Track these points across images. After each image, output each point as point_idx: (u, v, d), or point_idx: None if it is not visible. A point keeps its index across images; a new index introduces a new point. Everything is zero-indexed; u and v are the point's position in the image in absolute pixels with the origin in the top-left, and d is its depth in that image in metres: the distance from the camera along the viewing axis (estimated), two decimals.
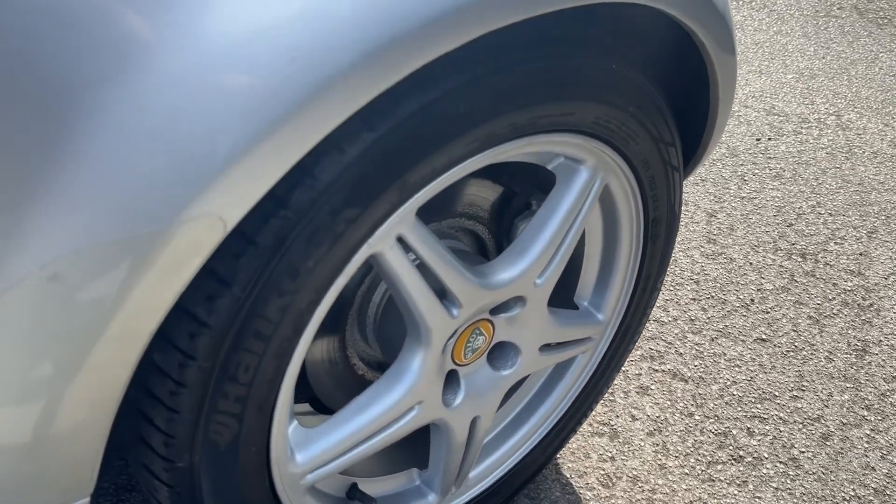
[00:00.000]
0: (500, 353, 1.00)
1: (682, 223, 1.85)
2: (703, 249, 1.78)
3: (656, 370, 1.46)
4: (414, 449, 1.05)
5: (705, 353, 1.51)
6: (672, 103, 1.00)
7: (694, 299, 1.64)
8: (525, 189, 1.02)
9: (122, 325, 0.57)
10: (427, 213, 0.91)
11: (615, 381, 1.43)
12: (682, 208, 1.91)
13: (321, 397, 1.00)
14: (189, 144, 0.54)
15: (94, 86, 0.53)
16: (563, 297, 1.09)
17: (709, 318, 1.59)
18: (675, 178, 1.02)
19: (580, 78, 0.80)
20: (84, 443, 0.62)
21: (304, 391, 0.98)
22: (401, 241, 0.77)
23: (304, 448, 0.84)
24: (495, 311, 0.94)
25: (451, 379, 0.95)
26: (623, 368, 1.45)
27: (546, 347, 1.04)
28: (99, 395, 0.61)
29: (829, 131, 2.25)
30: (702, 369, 1.47)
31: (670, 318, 1.58)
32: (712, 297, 1.64)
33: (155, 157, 0.53)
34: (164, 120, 0.54)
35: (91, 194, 0.52)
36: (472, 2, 0.63)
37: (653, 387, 1.43)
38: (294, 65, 0.57)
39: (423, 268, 0.82)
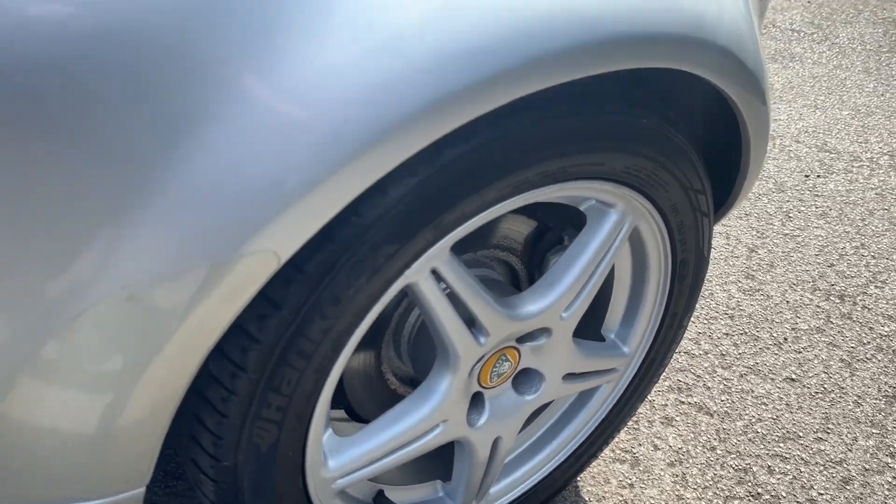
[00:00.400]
0: (524, 378, 1.06)
1: (721, 257, 1.88)
2: (740, 284, 1.80)
3: (683, 402, 1.50)
4: (439, 461, 1.12)
5: (733, 389, 1.53)
6: (709, 146, 1.05)
7: (727, 334, 1.66)
8: (558, 224, 1.08)
9: (184, 340, 0.66)
10: (463, 244, 0.98)
11: (640, 410, 1.47)
12: (724, 241, 1.93)
13: (355, 406, 1.08)
14: (252, 186, 0.62)
15: (177, 129, 0.61)
16: (591, 327, 1.14)
17: (740, 353, 1.62)
18: (705, 223, 1.07)
19: (611, 131, 0.86)
20: (145, 438, 0.71)
21: (340, 398, 1.06)
22: (435, 273, 0.84)
23: (337, 455, 0.92)
24: (522, 339, 1.00)
25: (477, 400, 1.01)
26: (650, 398, 1.49)
27: (570, 376, 1.10)
28: (161, 398, 0.69)
29: (881, 171, 2.24)
30: (728, 404, 1.50)
31: (701, 352, 1.62)
32: (745, 333, 1.67)
33: (224, 196, 0.61)
34: (236, 162, 0.62)
35: (165, 228, 0.60)
36: (517, 69, 0.70)
37: (678, 418, 1.46)
38: (355, 115, 0.64)
39: (453, 297, 0.89)
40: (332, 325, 0.77)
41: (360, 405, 1.08)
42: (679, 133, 0.94)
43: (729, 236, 1.95)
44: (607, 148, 0.87)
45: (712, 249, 1.90)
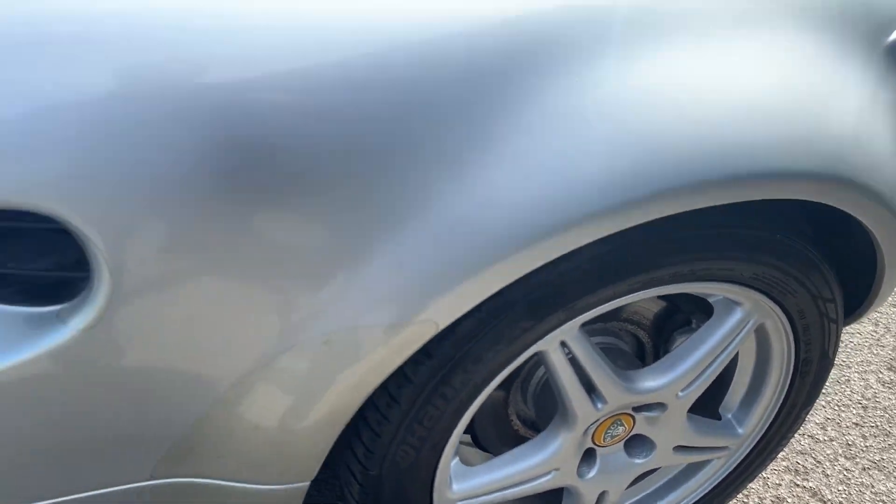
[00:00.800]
0: (636, 443, 1.16)
1: (866, 344, 1.85)
2: (880, 376, 1.77)
3: (798, 485, 1.52)
4: (550, 500, 1.24)
5: (852, 481, 1.54)
6: (845, 250, 1.09)
7: (857, 424, 1.65)
8: (687, 308, 1.17)
9: (360, 375, 0.84)
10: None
11: (753, 485, 1.51)
12: (871, 328, 1.89)
13: (479, 436, 1.23)
14: (425, 270, 0.79)
15: (393, 213, 0.77)
16: (708, 403, 1.22)
17: (867, 446, 1.61)
18: (832, 328, 1.12)
19: (742, 243, 0.95)
20: (319, 441, 0.90)
21: (468, 426, 1.22)
22: (563, 344, 0.97)
23: (461, 480, 1.07)
24: (638, 408, 1.11)
25: (589, 455, 1.13)
26: (764, 475, 1.53)
27: (681, 448, 1.19)
28: (335, 413, 0.88)
29: None
30: (844, 495, 1.51)
31: (826, 438, 1.62)
32: (877, 426, 1.65)
33: (405, 275, 0.78)
34: (419, 247, 0.79)
35: (362, 295, 0.78)
36: (663, 194, 0.81)
37: (789, 500, 1.49)
38: (526, 218, 0.78)
39: (577, 363, 1.01)
40: (472, 378, 0.93)
41: (485, 436, 1.23)
42: (810, 246, 1.01)
43: (878, 323, 1.91)
44: (737, 258, 0.96)
45: (857, 334, 1.87)
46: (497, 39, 0.76)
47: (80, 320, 0.73)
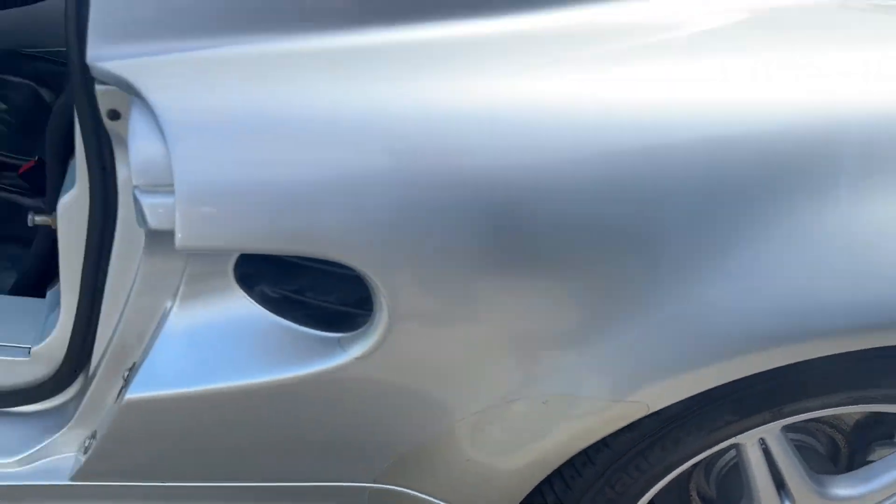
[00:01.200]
0: None
1: None
2: None
3: None
4: None
5: None
6: None
7: None
8: (892, 421, 1.16)
9: (567, 437, 0.94)
10: None
11: None
12: None
13: (656, 502, 1.28)
14: (648, 359, 0.87)
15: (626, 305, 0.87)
16: None
17: None
18: None
19: None
20: (519, 484, 1.02)
21: None
22: (762, 441, 1.01)
23: None
24: None
25: None
26: None
27: None
28: (539, 464, 0.99)
29: None
30: None
31: None
32: None
33: (626, 362, 0.88)
34: (648, 337, 0.87)
35: (588, 370, 0.88)
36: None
37: None
38: (766, 322, 0.85)
39: (770, 457, 1.04)
40: (668, 456, 1.00)
41: (661, 502, 1.28)
42: None
43: None
44: None
45: None
46: (760, 153, 0.83)
47: (357, 349, 0.88)
